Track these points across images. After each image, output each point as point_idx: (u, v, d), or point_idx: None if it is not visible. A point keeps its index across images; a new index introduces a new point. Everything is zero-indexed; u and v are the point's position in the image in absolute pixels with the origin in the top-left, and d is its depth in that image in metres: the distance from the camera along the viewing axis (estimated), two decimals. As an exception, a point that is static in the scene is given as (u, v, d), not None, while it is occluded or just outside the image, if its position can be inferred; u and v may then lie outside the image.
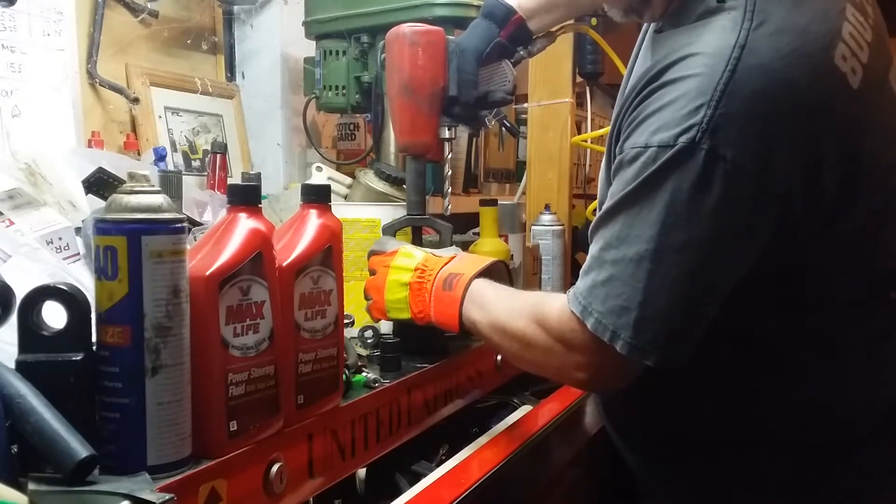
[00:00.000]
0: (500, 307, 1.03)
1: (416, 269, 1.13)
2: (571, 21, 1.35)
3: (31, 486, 0.67)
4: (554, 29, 1.33)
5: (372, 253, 1.22)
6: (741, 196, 0.81)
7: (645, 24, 1.10)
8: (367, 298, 1.20)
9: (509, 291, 1.08)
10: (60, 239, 1.13)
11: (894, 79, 0.96)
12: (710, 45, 0.82)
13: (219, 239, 0.83)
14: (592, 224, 0.92)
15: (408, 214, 1.30)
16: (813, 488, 0.98)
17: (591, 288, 0.88)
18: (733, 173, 0.79)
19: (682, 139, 0.79)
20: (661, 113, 0.82)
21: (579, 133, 2.13)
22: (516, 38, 1.28)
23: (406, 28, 1.26)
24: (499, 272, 1.13)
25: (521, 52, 1.31)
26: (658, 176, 0.82)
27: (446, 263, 1.12)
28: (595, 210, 1.88)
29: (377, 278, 1.17)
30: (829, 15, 0.85)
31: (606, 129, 1.98)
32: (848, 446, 0.97)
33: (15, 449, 0.69)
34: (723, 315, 0.89)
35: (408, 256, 1.15)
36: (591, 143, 2.09)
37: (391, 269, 1.15)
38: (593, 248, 0.90)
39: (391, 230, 1.29)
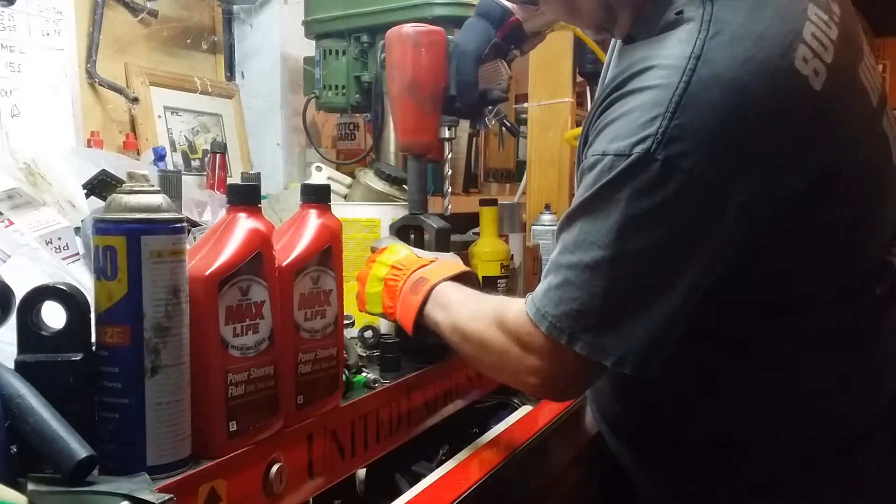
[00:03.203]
0: (461, 309, 1.04)
1: (392, 266, 1.15)
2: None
3: (31, 487, 0.67)
4: (546, 29, 1.34)
5: (372, 249, 1.25)
6: (698, 206, 0.81)
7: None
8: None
9: (474, 295, 1.08)
10: (60, 239, 1.13)
11: (864, 73, 0.94)
12: (666, 56, 0.82)
13: (218, 239, 0.83)
14: (559, 224, 0.92)
15: (410, 213, 1.31)
16: (812, 488, 0.97)
17: (546, 291, 0.89)
18: (690, 183, 0.79)
19: (638, 149, 0.80)
20: (619, 122, 0.83)
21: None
22: (510, 38, 1.29)
23: (409, 28, 1.26)
24: (468, 281, 1.14)
25: (515, 51, 1.32)
26: (614, 184, 0.82)
27: (422, 266, 1.13)
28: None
29: (364, 270, 1.20)
30: (788, 18, 0.84)
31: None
32: (846, 445, 0.97)
33: (14, 449, 0.69)
34: (712, 320, 0.89)
35: (391, 253, 1.17)
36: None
37: (375, 264, 1.18)
38: (553, 253, 0.90)
39: (394, 229, 1.30)
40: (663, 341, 0.86)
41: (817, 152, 0.85)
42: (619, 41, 1.05)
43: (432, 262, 1.15)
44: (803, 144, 0.84)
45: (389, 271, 1.15)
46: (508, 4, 1.28)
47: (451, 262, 1.17)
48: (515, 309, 0.93)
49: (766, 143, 0.82)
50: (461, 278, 1.12)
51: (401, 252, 1.17)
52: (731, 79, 0.79)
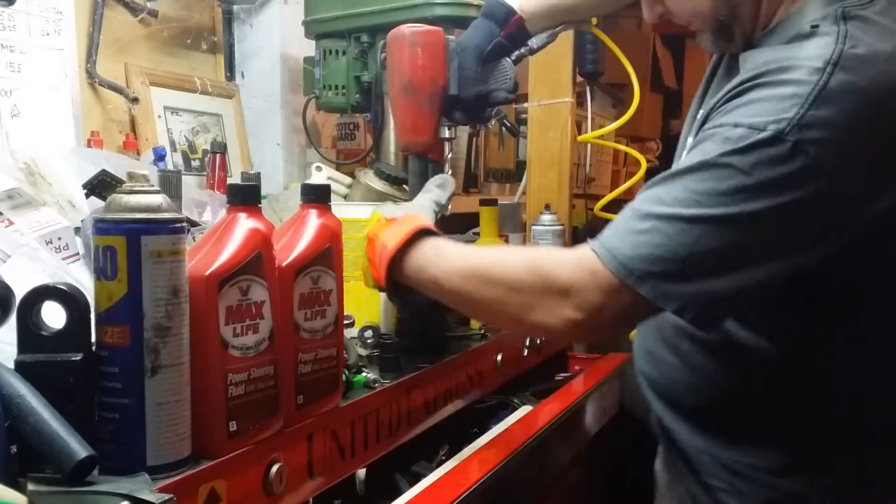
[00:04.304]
0: (475, 256, 1.04)
1: (367, 238, 1.12)
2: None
3: (31, 487, 0.67)
4: (556, 28, 1.34)
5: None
6: (811, 194, 0.86)
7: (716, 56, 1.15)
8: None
9: (470, 247, 1.08)
10: (60, 239, 1.13)
11: None
12: (806, 59, 0.88)
13: (218, 239, 0.83)
14: (646, 184, 0.94)
15: None
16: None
17: (625, 234, 0.91)
18: (811, 170, 0.85)
19: (772, 127, 0.85)
20: (756, 105, 0.88)
21: (580, 133, 2.13)
22: (515, 38, 1.30)
23: (406, 29, 1.26)
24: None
25: (523, 50, 1.31)
26: (739, 153, 0.87)
27: (383, 228, 1.10)
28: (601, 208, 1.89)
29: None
30: None
31: (607, 129, 1.98)
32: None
33: (14, 449, 0.69)
34: (829, 310, 0.97)
35: (369, 224, 1.15)
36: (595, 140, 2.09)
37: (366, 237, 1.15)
38: (635, 203, 0.93)
39: None
40: (729, 306, 0.93)
41: None
42: (727, 57, 1.11)
43: (398, 216, 1.12)
44: None
45: (367, 244, 1.12)
46: (515, 5, 1.28)
47: (408, 220, 1.11)
48: (567, 252, 0.96)
49: (883, 152, 0.88)
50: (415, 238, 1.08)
51: (373, 218, 1.15)
52: (865, 88, 0.86)
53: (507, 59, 1.29)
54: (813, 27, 0.91)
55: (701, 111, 1.07)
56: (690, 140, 1.05)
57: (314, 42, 1.88)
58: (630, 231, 0.91)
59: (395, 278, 1.07)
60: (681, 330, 1.08)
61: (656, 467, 1.23)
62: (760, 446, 1.03)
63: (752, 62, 0.96)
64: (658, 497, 1.24)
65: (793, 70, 0.88)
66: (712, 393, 1.08)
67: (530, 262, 0.97)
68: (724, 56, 1.13)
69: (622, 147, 2.23)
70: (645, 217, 0.90)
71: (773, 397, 1.03)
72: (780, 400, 1.02)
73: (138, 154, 1.70)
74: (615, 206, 1.80)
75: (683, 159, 0.93)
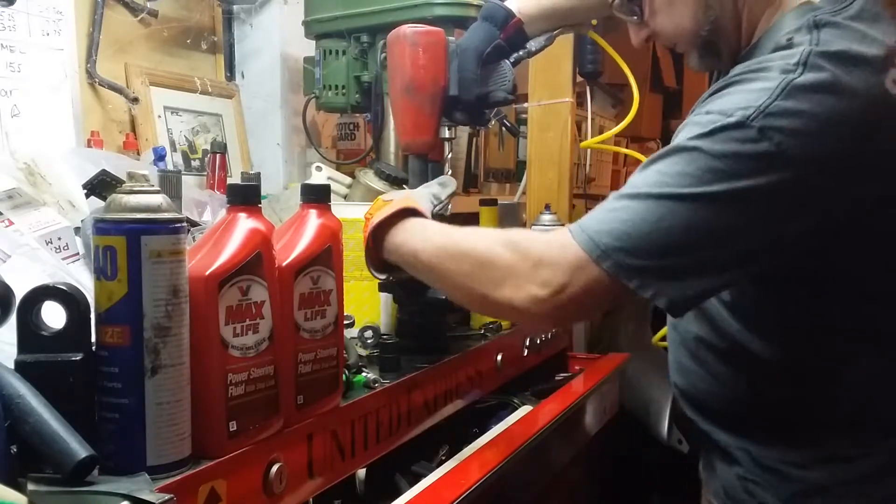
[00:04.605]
0: (455, 233, 1.05)
1: (365, 222, 1.13)
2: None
3: (31, 487, 0.67)
4: (555, 31, 1.35)
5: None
6: (777, 180, 0.88)
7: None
8: None
9: (456, 227, 1.09)
10: (60, 239, 1.13)
11: None
12: (777, 62, 0.92)
13: (218, 239, 0.83)
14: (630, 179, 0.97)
15: None
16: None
17: (596, 213, 0.94)
18: (777, 156, 0.87)
19: (739, 113, 0.88)
20: (729, 97, 0.92)
21: (579, 133, 2.13)
22: (514, 41, 1.31)
23: (407, 29, 1.26)
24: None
25: (521, 53, 1.32)
26: (705, 136, 0.90)
27: (375, 211, 1.12)
28: None
29: None
30: (885, 46, 0.94)
31: (609, 133, 1.98)
32: None
33: (14, 449, 0.69)
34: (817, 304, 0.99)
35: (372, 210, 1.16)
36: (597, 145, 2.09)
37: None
38: (615, 192, 0.96)
39: None
40: (696, 290, 0.93)
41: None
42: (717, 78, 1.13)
43: (394, 199, 1.13)
44: (884, 155, 0.92)
45: (364, 226, 1.13)
46: (514, 8, 1.29)
47: (400, 201, 1.13)
48: (525, 231, 1.00)
49: (850, 146, 0.90)
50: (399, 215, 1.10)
51: (376, 204, 1.16)
52: (834, 83, 0.89)
53: (506, 61, 1.29)
54: (788, 39, 0.94)
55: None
56: None
57: (314, 42, 1.89)
58: (602, 210, 0.94)
59: (379, 254, 1.09)
60: (701, 341, 1.11)
61: (700, 472, 1.24)
62: (785, 443, 1.05)
63: (732, 72, 0.99)
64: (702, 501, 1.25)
65: (766, 70, 0.92)
66: (734, 398, 1.10)
67: (505, 237, 0.99)
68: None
69: (626, 151, 2.23)
70: (618, 198, 0.93)
71: (789, 399, 1.05)
72: (796, 401, 1.04)
73: (138, 154, 1.70)
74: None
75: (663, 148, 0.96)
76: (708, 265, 0.91)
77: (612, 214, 0.92)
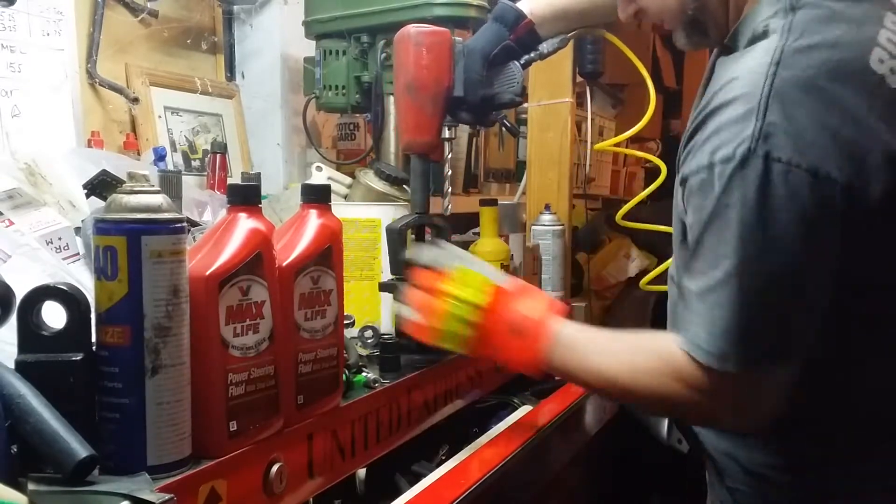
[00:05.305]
0: (598, 353, 1.03)
1: (483, 311, 1.06)
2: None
3: (31, 487, 0.67)
4: (568, 34, 1.34)
5: (416, 262, 1.14)
6: (802, 193, 0.86)
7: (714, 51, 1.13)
8: (408, 312, 1.11)
9: (598, 332, 1.07)
10: (60, 239, 1.13)
11: None
12: (749, 68, 0.89)
13: (219, 239, 0.83)
14: (684, 262, 0.94)
15: (416, 213, 1.31)
16: None
17: (690, 321, 0.91)
18: (791, 173, 0.85)
19: (740, 150, 0.86)
20: (717, 135, 0.89)
21: (579, 133, 2.13)
22: (526, 43, 1.30)
23: (412, 28, 1.27)
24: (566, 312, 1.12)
25: (533, 55, 1.31)
26: (725, 192, 0.87)
27: (509, 301, 1.07)
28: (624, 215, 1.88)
29: (432, 302, 1.08)
30: (864, 26, 0.91)
31: (621, 137, 1.98)
32: None
33: (15, 449, 0.69)
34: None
35: (467, 288, 1.07)
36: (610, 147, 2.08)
37: (453, 302, 1.07)
38: (689, 285, 0.92)
39: (395, 230, 1.29)
40: (807, 330, 0.90)
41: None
42: (715, 56, 1.09)
43: (520, 291, 1.09)
44: (883, 136, 0.89)
45: (476, 314, 1.05)
46: (526, 9, 1.28)
47: (540, 294, 1.12)
48: (665, 347, 0.94)
49: (851, 129, 0.87)
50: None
51: (481, 284, 1.07)
52: (809, 79, 0.87)
53: (516, 62, 1.29)
54: (765, 26, 0.92)
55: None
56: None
57: (314, 42, 1.88)
58: (692, 316, 0.91)
59: (539, 366, 1.06)
60: None
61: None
62: (775, 447, 1.03)
63: (716, 79, 0.96)
64: None
65: (737, 82, 0.89)
66: None
67: (654, 364, 0.96)
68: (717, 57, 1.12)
69: (642, 154, 2.22)
70: (698, 297, 0.91)
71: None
72: (789, 405, 1.00)
73: (139, 154, 1.70)
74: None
75: (689, 219, 0.93)
76: (811, 302, 0.89)
77: (702, 318, 0.89)
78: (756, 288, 0.87)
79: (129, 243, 0.72)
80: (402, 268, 1.29)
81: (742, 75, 0.89)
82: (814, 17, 0.91)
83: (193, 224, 1.29)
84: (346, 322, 1.07)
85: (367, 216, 1.39)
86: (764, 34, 0.92)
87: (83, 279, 1.05)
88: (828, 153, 0.86)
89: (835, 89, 0.87)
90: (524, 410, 1.42)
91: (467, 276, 1.08)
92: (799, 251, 0.87)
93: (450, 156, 1.35)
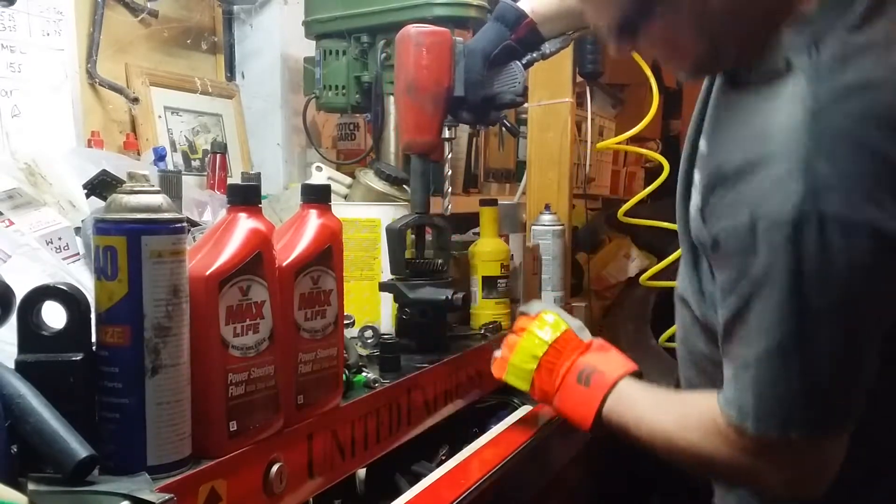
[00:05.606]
0: (654, 414, 1.03)
1: (550, 346, 1.12)
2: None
3: (31, 487, 0.67)
4: (571, 33, 1.33)
5: (521, 312, 1.25)
6: (862, 248, 0.81)
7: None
8: (498, 353, 1.24)
9: (656, 394, 1.08)
10: (60, 239, 1.13)
11: None
12: (781, 122, 0.84)
13: (219, 239, 0.83)
14: (724, 327, 0.90)
15: (417, 214, 1.31)
16: None
17: (740, 391, 0.88)
18: (844, 228, 0.81)
19: (789, 211, 0.81)
20: (756, 194, 0.84)
21: (579, 133, 2.13)
22: (528, 42, 1.29)
23: (412, 29, 1.27)
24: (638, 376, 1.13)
25: (535, 55, 1.31)
26: (777, 254, 0.82)
27: (584, 352, 1.11)
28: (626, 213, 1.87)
29: (512, 338, 1.20)
30: (891, 59, 0.86)
31: (625, 135, 1.98)
32: None
33: (14, 449, 0.69)
34: None
35: (546, 327, 1.16)
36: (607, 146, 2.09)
37: (527, 334, 1.16)
38: (735, 350, 0.89)
39: (395, 230, 1.29)
40: (862, 389, 0.86)
41: None
42: (718, 84, 1.02)
43: (590, 345, 1.12)
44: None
45: (547, 351, 1.13)
46: (528, 8, 1.28)
47: (617, 356, 1.14)
48: (716, 416, 0.92)
49: (887, 174, 0.82)
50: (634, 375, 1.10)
51: (560, 328, 1.15)
52: (851, 130, 0.82)
53: (517, 62, 1.28)
54: (787, 61, 0.87)
55: (702, 142, 1.00)
56: (697, 177, 0.97)
57: (314, 42, 1.89)
58: (743, 386, 0.88)
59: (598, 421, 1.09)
60: (707, 357, 1.06)
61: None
62: None
63: (733, 117, 0.91)
64: None
65: (773, 140, 0.84)
66: None
67: (702, 429, 0.94)
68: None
69: (645, 151, 2.23)
70: (746, 367, 0.87)
71: None
72: None
73: (139, 154, 1.70)
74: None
75: (721, 278, 0.89)
76: (869, 353, 0.85)
77: (755, 388, 0.86)
78: (822, 350, 0.83)
79: (129, 243, 0.72)
80: (402, 268, 1.29)
81: (774, 130, 0.85)
82: (840, 54, 0.85)
83: (193, 224, 1.29)
84: (346, 322, 1.07)
85: (367, 216, 1.39)
86: (786, 70, 0.86)
87: (83, 279, 1.05)
88: (882, 206, 0.82)
89: (878, 137, 0.83)
90: (524, 410, 1.41)
91: (546, 316, 1.17)
92: (864, 308, 0.84)
93: (450, 156, 1.35)
